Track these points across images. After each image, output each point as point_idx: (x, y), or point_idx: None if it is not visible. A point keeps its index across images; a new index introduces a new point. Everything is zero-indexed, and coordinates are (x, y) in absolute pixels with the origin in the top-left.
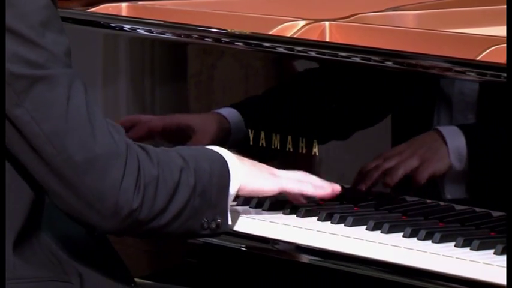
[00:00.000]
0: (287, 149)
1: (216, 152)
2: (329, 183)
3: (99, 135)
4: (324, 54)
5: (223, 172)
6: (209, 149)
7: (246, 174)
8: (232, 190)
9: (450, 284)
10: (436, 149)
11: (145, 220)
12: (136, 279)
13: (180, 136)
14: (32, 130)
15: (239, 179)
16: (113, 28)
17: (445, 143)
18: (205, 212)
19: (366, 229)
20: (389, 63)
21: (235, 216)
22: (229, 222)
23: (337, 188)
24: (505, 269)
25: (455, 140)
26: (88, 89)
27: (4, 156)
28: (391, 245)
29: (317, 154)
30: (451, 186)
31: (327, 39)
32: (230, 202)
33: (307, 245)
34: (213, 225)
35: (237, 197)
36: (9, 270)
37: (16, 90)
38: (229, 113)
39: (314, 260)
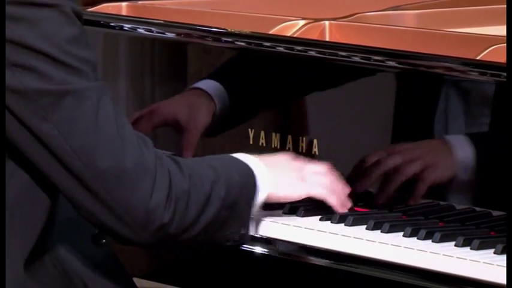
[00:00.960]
0: (287, 148)
1: (244, 162)
2: (346, 198)
3: (128, 149)
4: (324, 54)
5: (251, 183)
6: (237, 158)
7: (274, 184)
8: (259, 200)
9: (450, 284)
10: (443, 158)
11: (175, 233)
12: (135, 279)
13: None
14: (60, 145)
15: (266, 190)
16: (113, 28)
17: (453, 153)
18: (232, 223)
19: (366, 228)
20: (390, 63)
21: None
22: (251, 233)
23: (349, 204)
24: (505, 269)
25: (463, 151)
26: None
27: (4, 156)
28: (391, 245)
29: (317, 153)
30: (454, 189)
31: (327, 39)
32: (254, 213)
33: (306, 245)
34: (236, 237)
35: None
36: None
37: (43, 106)
38: (209, 86)
39: (313, 259)
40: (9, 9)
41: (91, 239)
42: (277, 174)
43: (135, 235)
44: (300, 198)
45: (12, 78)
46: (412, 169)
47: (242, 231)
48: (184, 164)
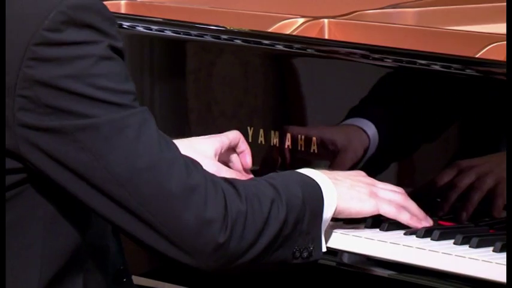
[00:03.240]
0: (286, 146)
1: (308, 177)
2: (424, 215)
3: (174, 172)
4: (323, 52)
5: (316, 197)
6: (300, 173)
7: (343, 198)
8: (327, 215)
9: (449, 281)
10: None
11: (235, 255)
12: (135, 277)
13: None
14: (102, 175)
15: (334, 204)
16: None
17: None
18: (297, 240)
19: (365, 227)
20: (389, 61)
21: None
22: (324, 249)
23: (430, 222)
24: (504, 267)
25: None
26: None
27: (4, 158)
28: (390, 243)
29: (316, 151)
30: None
31: (326, 37)
32: (324, 228)
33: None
34: (305, 254)
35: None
36: None
37: (80, 139)
38: (368, 126)
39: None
40: (39, 51)
41: (113, 276)
42: (346, 189)
43: (191, 258)
44: (371, 214)
45: (44, 119)
46: (488, 183)
47: (311, 247)
48: (241, 186)
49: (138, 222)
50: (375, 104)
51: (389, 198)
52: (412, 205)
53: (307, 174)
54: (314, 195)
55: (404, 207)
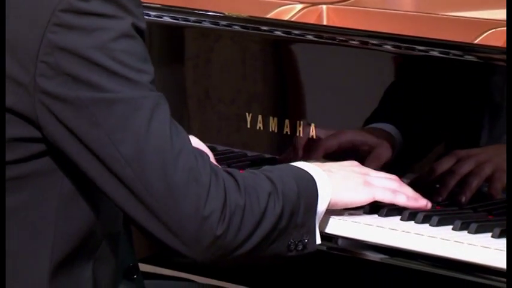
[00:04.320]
0: (284, 132)
1: (303, 170)
2: (421, 197)
3: (181, 160)
4: (322, 38)
5: (310, 190)
6: (296, 166)
7: (336, 189)
8: (321, 208)
9: (447, 267)
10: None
11: (231, 247)
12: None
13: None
14: (111, 152)
15: (328, 196)
16: None
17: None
18: (292, 232)
19: (364, 212)
20: (387, 47)
21: None
22: (318, 241)
23: (429, 204)
24: (502, 252)
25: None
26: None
27: (4, 157)
28: (389, 228)
29: (314, 137)
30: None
31: (325, 23)
32: (319, 220)
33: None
34: (300, 247)
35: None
36: None
37: (94, 112)
38: (392, 129)
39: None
40: (65, 17)
41: (123, 272)
42: (340, 180)
43: (188, 249)
44: (366, 203)
45: (62, 87)
46: (487, 170)
47: (305, 239)
48: (241, 178)
49: (139, 205)
50: (373, 91)
51: (383, 185)
52: (408, 190)
53: (302, 168)
54: (309, 188)
55: (399, 193)
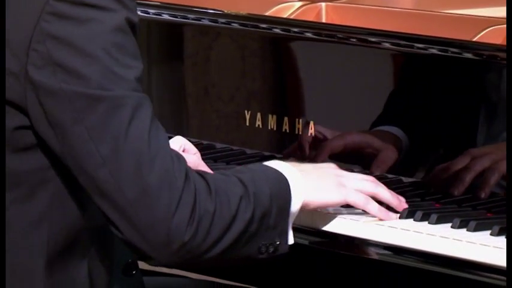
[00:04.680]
0: (283, 130)
1: (276, 171)
2: (397, 198)
3: (157, 163)
4: (321, 35)
5: (283, 192)
6: (269, 167)
7: (310, 190)
8: (294, 209)
9: (446, 265)
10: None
11: (198, 253)
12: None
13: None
14: (89, 150)
15: (302, 197)
16: None
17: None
18: (264, 235)
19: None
20: (386, 44)
21: None
22: (290, 242)
23: (403, 205)
24: (501, 250)
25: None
26: None
27: (4, 155)
28: (388, 226)
29: (313, 135)
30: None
31: (324, 21)
32: (292, 221)
33: (303, 226)
34: (271, 249)
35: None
36: None
37: (77, 108)
38: (398, 132)
39: (312, 241)
40: (59, 6)
41: (122, 269)
42: (313, 180)
43: (156, 253)
44: (339, 205)
45: (49, 77)
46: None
47: (277, 242)
48: (212, 181)
49: (112, 206)
50: (371, 89)
51: (358, 187)
52: (383, 191)
53: (275, 168)
54: (282, 190)
55: (374, 195)
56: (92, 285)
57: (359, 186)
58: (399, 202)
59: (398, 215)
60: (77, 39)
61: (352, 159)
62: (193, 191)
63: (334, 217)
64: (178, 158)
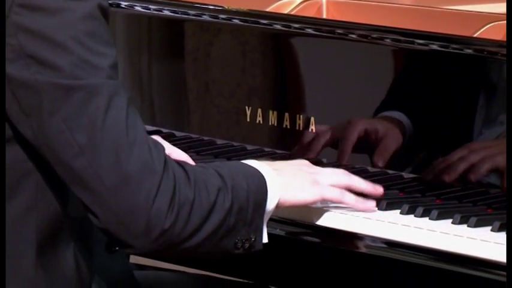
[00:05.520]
0: (284, 126)
1: (254, 168)
2: (372, 186)
3: (135, 151)
4: (321, 31)
5: (260, 189)
6: (246, 164)
7: (285, 189)
8: (270, 207)
9: (447, 261)
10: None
11: (177, 241)
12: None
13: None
14: (66, 140)
15: (277, 195)
16: (110, 5)
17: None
18: (241, 230)
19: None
20: (387, 40)
21: None
22: (264, 240)
23: (379, 191)
24: (501, 246)
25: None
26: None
27: (4, 152)
28: (388, 222)
29: (314, 131)
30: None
31: (324, 16)
32: (267, 219)
33: (302, 221)
34: (247, 245)
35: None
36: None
37: (51, 99)
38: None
39: (311, 238)
40: None
41: (105, 246)
42: (289, 179)
43: (135, 240)
44: (315, 203)
45: (23, 71)
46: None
47: (252, 238)
48: (191, 171)
49: (91, 194)
50: (372, 85)
51: (331, 182)
52: (357, 181)
53: (252, 166)
54: (258, 186)
55: (349, 186)
56: (77, 266)
57: (333, 180)
58: (375, 189)
59: (375, 202)
60: (48, 30)
61: (358, 147)
62: (173, 178)
63: (334, 212)
64: (156, 145)
